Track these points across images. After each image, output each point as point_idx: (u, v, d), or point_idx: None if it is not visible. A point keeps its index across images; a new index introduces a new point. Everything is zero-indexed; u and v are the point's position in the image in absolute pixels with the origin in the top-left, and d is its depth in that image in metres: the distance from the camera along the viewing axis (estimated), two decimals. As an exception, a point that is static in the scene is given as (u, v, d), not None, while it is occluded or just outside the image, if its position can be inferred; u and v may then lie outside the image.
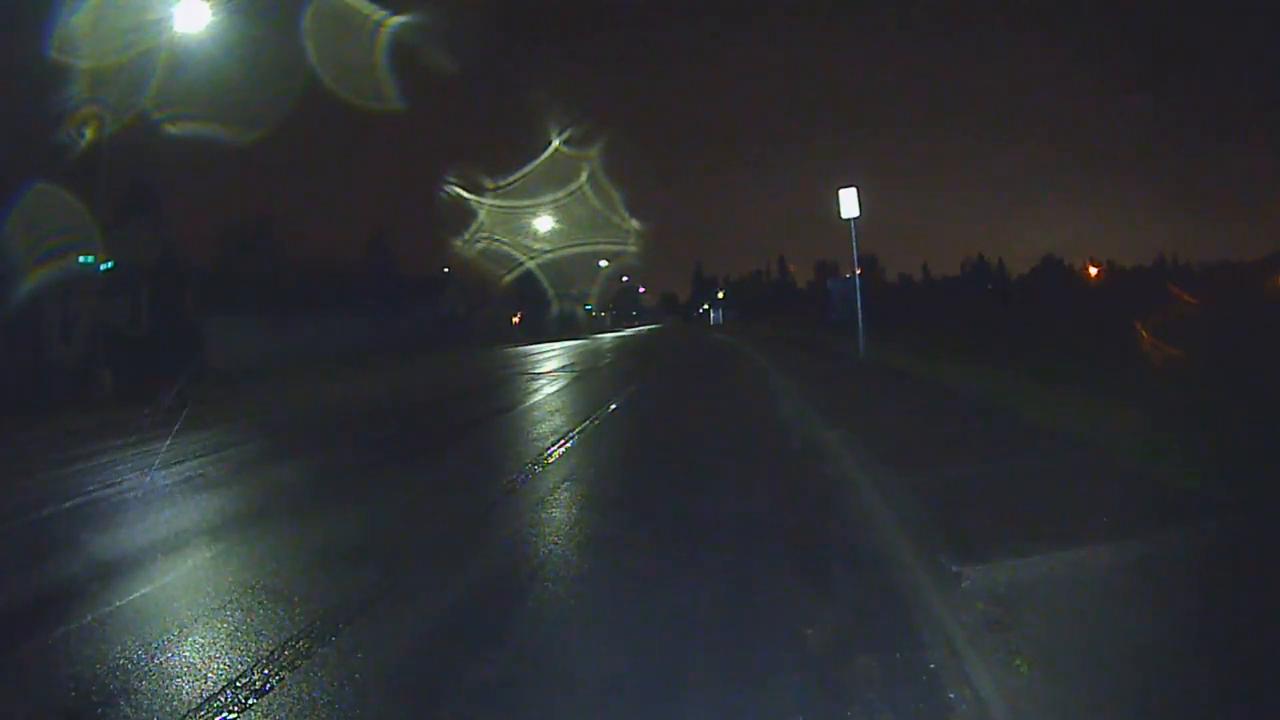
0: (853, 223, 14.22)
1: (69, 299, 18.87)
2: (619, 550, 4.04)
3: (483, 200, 42.45)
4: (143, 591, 3.72)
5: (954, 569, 3.16)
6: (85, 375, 14.77)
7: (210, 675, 2.75)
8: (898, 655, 2.66)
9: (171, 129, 17.95)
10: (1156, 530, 3.48)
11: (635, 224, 54.02)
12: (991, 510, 3.91)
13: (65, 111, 15.48)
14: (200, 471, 6.86)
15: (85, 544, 4.76)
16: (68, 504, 5.82)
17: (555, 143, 41.08)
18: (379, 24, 24.38)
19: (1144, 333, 14.52)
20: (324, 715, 2.43)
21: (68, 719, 2.55)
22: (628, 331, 68.39)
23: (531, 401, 11.54)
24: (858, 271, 15.47)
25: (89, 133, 15.06)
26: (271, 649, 2.93)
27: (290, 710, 2.47)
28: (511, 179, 41.97)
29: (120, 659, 2.93)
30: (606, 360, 22.06)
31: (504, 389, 14.11)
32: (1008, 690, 2.30)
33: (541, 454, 6.81)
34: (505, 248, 47.12)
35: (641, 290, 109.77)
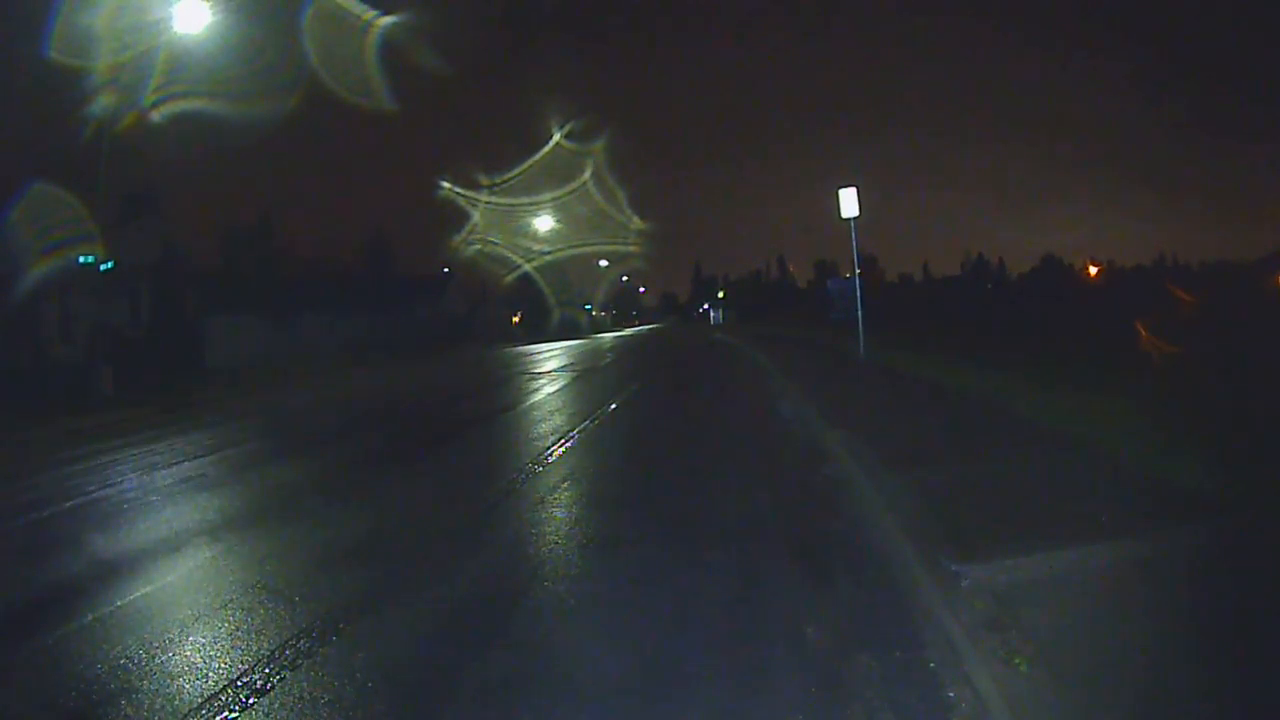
0: (853, 222, 14.21)
1: (69, 298, 18.88)
2: (619, 549, 4.04)
3: (482, 199, 42.42)
4: (143, 591, 3.72)
5: (953, 568, 3.17)
6: (85, 374, 14.77)
7: (211, 675, 2.76)
8: (897, 654, 2.66)
9: (171, 128, 17.96)
10: (1156, 530, 3.48)
11: (639, 222, 53.94)
12: (992, 510, 3.91)
13: (65, 111, 15.50)
14: (200, 471, 6.87)
15: (86, 544, 4.77)
16: (68, 504, 5.83)
17: (557, 137, 41.00)
18: (380, 24, 24.39)
19: (1142, 331, 14.53)
20: (325, 715, 2.44)
21: (69, 718, 2.56)
22: (628, 331, 68.38)
23: (531, 401, 11.54)
24: (858, 271, 15.47)
25: (89, 133, 15.07)
26: (273, 648, 2.94)
27: (291, 709, 2.48)
28: (512, 174, 41.89)
29: (121, 658, 2.93)
30: (607, 360, 22.05)
31: (504, 388, 14.12)
32: (1007, 689, 2.31)
33: (542, 453, 6.81)
34: (505, 251, 47.14)
35: (641, 290, 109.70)
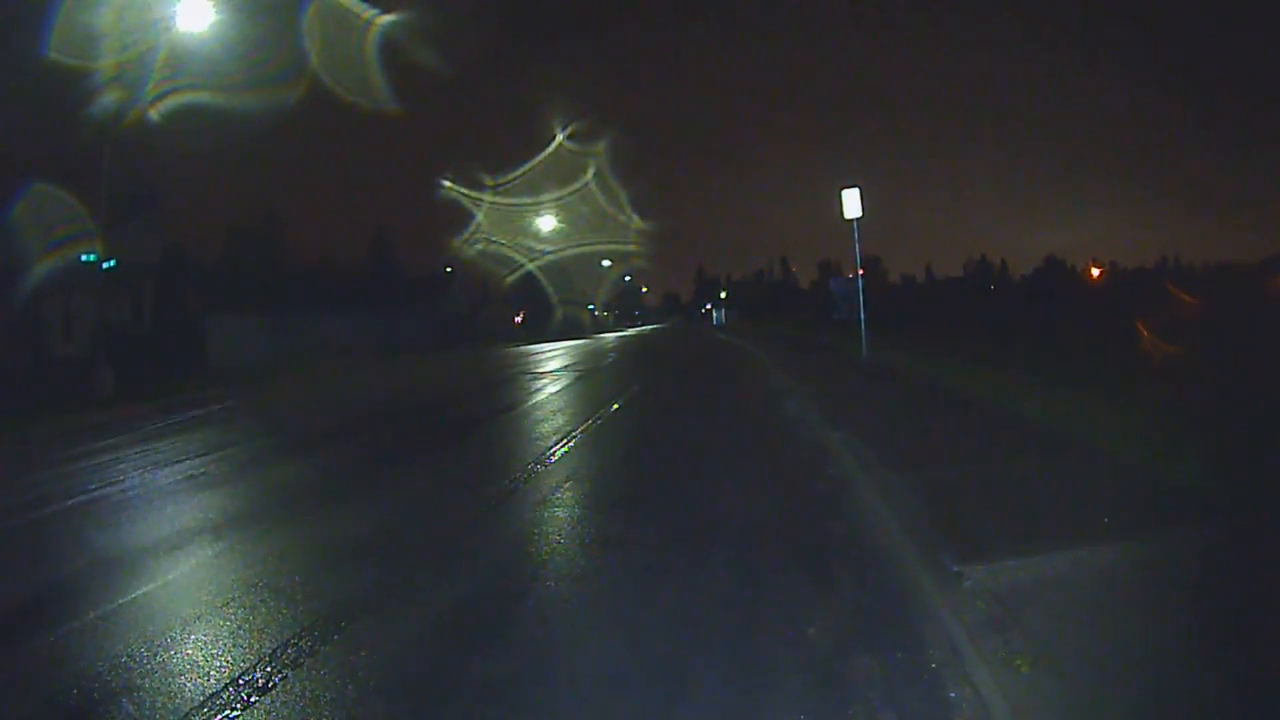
0: (855, 223, 14.21)
1: (71, 297, 18.92)
2: (620, 549, 4.04)
3: (485, 199, 42.55)
4: (145, 589, 3.73)
5: (955, 569, 3.17)
6: (87, 373, 14.79)
7: (213, 673, 2.76)
8: (899, 654, 2.66)
9: (174, 127, 18.00)
10: (1157, 530, 3.48)
11: (640, 222, 54.10)
12: (993, 511, 3.91)
13: (67, 110, 15.53)
14: (202, 470, 6.88)
15: (87, 542, 4.78)
16: (70, 502, 5.83)
17: (559, 138, 41.18)
18: (384, 24, 24.42)
19: (1144, 331, 14.54)
20: (327, 713, 2.44)
21: (71, 716, 2.56)
22: (630, 331, 68.37)
23: (534, 401, 11.54)
24: (860, 272, 15.47)
25: (91, 131, 15.10)
26: (275, 647, 2.94)
27: (293, 708, 2.48)
28: (515, 175, 42.08)
29: (123, 656, 2.94)
30: (609, 360, 22.05)
31: (506, 388, 14.12)
32: (1009, 690, 2.31)
33: (544, 453, 6.81)
34: (507, 250, 47.28)
35: (644, 290, 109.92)
